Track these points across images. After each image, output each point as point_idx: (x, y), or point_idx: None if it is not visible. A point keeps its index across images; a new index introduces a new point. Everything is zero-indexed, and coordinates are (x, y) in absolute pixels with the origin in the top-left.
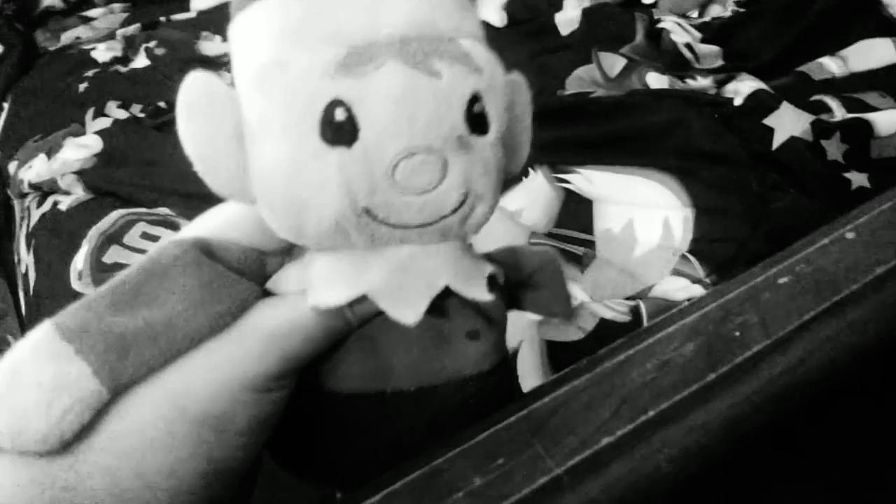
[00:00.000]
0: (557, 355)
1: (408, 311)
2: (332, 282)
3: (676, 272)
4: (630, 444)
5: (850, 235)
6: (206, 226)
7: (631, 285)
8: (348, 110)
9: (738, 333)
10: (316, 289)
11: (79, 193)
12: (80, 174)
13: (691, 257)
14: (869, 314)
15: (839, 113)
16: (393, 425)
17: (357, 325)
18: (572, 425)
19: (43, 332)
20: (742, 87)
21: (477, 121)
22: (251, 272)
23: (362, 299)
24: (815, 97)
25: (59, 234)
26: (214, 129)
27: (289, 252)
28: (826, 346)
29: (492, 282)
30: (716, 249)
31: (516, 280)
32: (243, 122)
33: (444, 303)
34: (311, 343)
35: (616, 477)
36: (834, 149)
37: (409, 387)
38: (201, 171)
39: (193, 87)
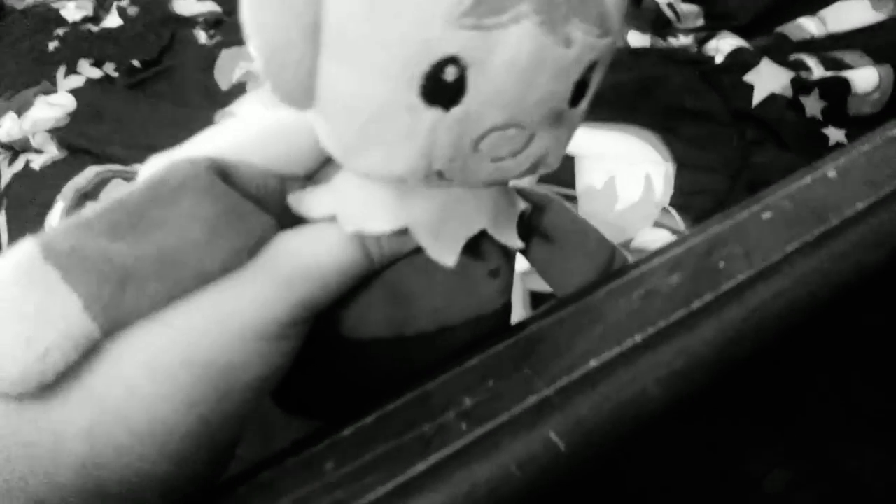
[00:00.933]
0: (541, 306)
1: (445, 251)
2: (371, 209)
3: (657, 224)
4: (617, 367)
5: (831, 174)
6: (221, 143)
7: (614, 237)
8: (462, 70)
9: (722, 265)
10: (353, 215)
11: (52, 152)
12: (54, 132)
13: (672, 210)
14: (849, 247)
15: (817, 71)
16: (406, 365)
17: (380, 266)
18: (560, 350)
19: (24, 253)
20: (723, 45)
21: (578, 91)
22: (271, 201)
23: (398, 234)
24: (795, 56)
25: (32, 193)
26: (292, 19)
27: (311, 177)
28: (808, 277)
29: (521, 222)
30: (696, 202)
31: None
32: (325, 26)
33: (476, 242)
34: (330, 286)
35: (604, 397)
36: (813, 105)
37: (430, 328)
38: (264, 68)
39: None
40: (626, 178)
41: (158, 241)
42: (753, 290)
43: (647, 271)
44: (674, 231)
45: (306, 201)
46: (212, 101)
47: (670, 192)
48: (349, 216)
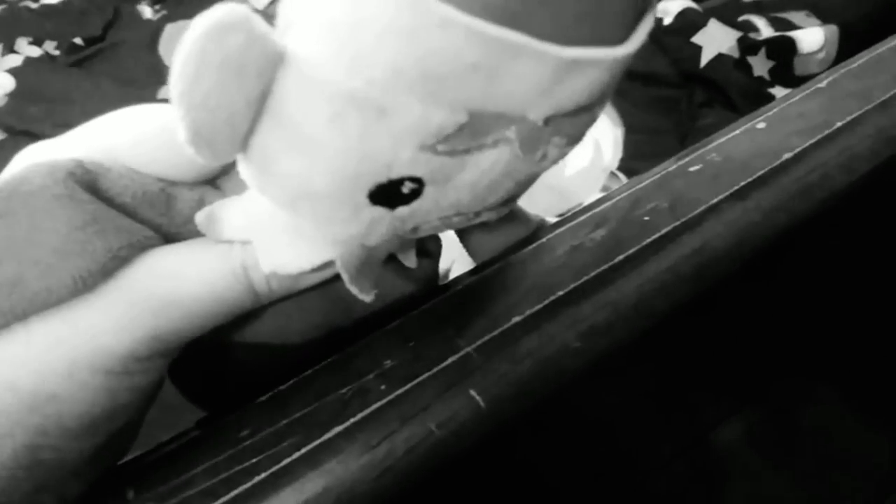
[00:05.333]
0: None
1: (364, 283)
2: (293, 243)
3: (605, 189)
4: (539, 322)
5: (760, 125)
6: (93, 142)
7: (561, 203)
8: (420, 185)
9: (647, 218)
10: (271, 249)
11: None
12: None
13: (620, 174)
14: (774, 197)
15: (766, 32)
16: (338, 346)
17: (266, 302)
18: (484, 308)
19: None
20: (671, 7)
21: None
22: (153, 211)
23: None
24: (743, 17)
25: None
26: (239, 93)
27: (211, 182)
28: (732, 228)
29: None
30: (644, 166)
31: None
32: (275, 102)
33: None
34: (196, 320)
35: (525, 352)
36: (760, 65)
37: (365, 313)
38: (192, 140)
39: (223, 31)
40: None
41: (0, 258)
42: (676, 243)
43: (572, 227)
44: None
45: (216, 221)
46: (157, 79)
47: (619, 155)
48: (266, 250)
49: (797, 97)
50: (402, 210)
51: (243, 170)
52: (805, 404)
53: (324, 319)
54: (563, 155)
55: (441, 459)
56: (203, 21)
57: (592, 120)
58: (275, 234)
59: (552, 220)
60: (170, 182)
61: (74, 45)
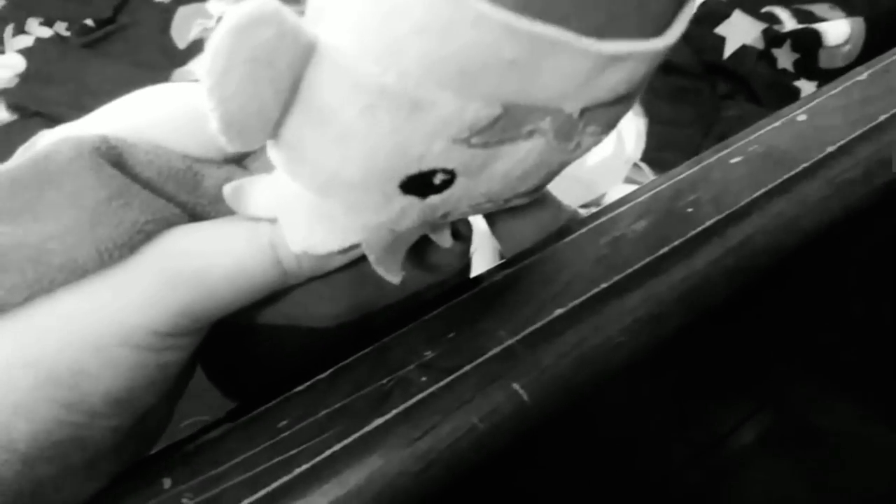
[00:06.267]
0: None
1: (391, 265)
2: (321, 223)
3: (629, 180)
4: (582, 315)
5: (801, 118)
6: (120, 120)
7: (584, 193)
8: (452, 176)
9: (690, 210)
10: (297, 226)
11: (2, 115)
12: (3, 94)
13: (643, 165)
14: (817, 190)
15: (789, 24)
16: (371, 335)
17: (295, 282)
18: (524, 299)
19: None
20: None
21: None
22: (179, 188)
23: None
24: (766, 9)
25: None
26: (270, 86)
27: (238, 160)
28: (776, 221)
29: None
30: (667, 157)
31: None
32: (306, 94)
33: None
34: (225, 297)
35: (569, 346)
36: (784, 57)
37: (397, 298)
38: (223, 130)
39: (253, 25)
40: None
41: (26, 226)
42: (721, 236)
43: (613, 217)
44: None
45: (244, 196)
46: (169, 61)
47: (642, 146)
48: (293, 228)
49: (838, 89)
50: (434, 199)
51: (273, 155)
52: (819, 406)
53: (354, 301)
54: (597, 143)
55: (484, 454)
56: (233, 15)
57: (628, 109)
58: (302, 214)
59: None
60: (196, 160)
61: (86, 26)
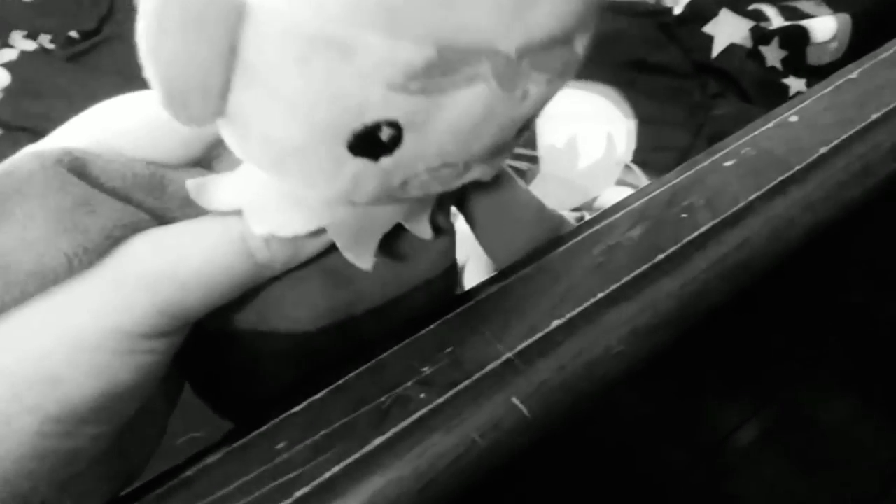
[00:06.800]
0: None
1: (363, 252)
2: (285, 206)
3: (620, 182)
4: (580, 326)
5: (793, 119)
6: (83, 133)
7: (576, 197)
8: (399, 131)
9: (684, 215)
10: (262, 211)
11: None
12: None
13: (634, 166)
14: (812, 193)
15: (777, 21)
16: (355, 344)
17: (270, 275)
18: (521, 311)
19: None
20: None
21: (527, 123)
22: (145, 194)
23: (297, 238)
24: (753, 6)
25: None
26: (206, 46)
27: (205, 165)
28: (771, 224)
29: (447, 197)
30: (658, 158)
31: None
32: (244, 57)
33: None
34: (198, 293)
35: (568, 358)
36: (772, 55)
37: (379, 303)
38: (166, 100)
39: None
40: (587, 137)
41: None
42: (716, 241)
43: (608, 225)
44: (637, 188)
45: (207, 190)
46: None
47: (633, 148)
48: (258, 214)
49: (829, 89)
50: (386, 161)
51: (226, 136)
52: (817, 404)
53: (330, 302)
54: (547, 95)
55: (485, 469)
56: None
57: (573, 56)
58: (266, 200)
59: (569, 214)
60: (161, 166)
61: (70, 38)
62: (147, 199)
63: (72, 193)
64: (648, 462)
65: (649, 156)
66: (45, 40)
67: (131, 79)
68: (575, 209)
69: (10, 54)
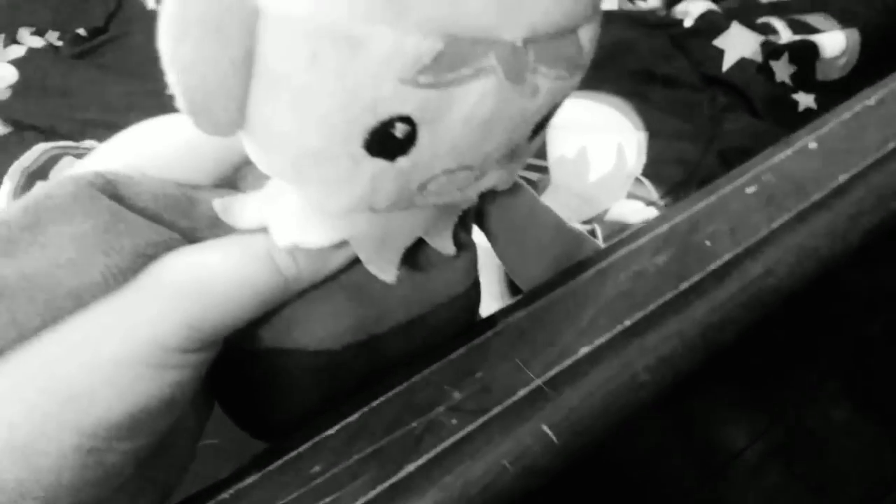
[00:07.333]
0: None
1: (386, 265)
2: (308, 220)
3: (631, 195)
4: (608, 354)
5: (812, 145)
6: (117, 154)
7: (586, 209)
8: (413, 127)
9: (708, 243)
10: (286, 226)
11: None
12: None
13: (645, 180)
14: (834, 220)
15: (785, 35)
16: (379, 363)
17: (297, 288)
18: (549, 337)
19: None
20: (692, 9)
21: (540, 125)
22: (175, 214)
23: (324, 251)
24: (762, 19)
25: None
26: (222, 51)
27: (232, 186)
28: (795, 252)
29: (468, 215)
30: (669, 171)
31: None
32: (260, 60)
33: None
34: (228, 307)
35: (595, 385)
36: (782, 70)
37: (403, 320)
38: (187, 105)
39: None
40: (597, 148)
41: (33, 259)
42: (740, 270)
43: (632, 251)
44: (648, 202)
45: (235, 208)
46: (162, 70)
47: (643, 160)
48: (282, 227)
49: (847, 115)
50: (403, 161)
51: (248, 149)
52: (823, 418)
53: (353, 320)
54: (557, 93)
55: (515, 495)
56: None
57: (579, 49)
58: (289, 214)
59: (579, 226)
60: (191, 187)
61: (78, 35)
62: (177, 219)
63: (105, 215)
64: (659, 481)
65: (659, 168)
66: (53, 37)
67: (137, 76)
68: (585, 222)
69: (18, 51)
